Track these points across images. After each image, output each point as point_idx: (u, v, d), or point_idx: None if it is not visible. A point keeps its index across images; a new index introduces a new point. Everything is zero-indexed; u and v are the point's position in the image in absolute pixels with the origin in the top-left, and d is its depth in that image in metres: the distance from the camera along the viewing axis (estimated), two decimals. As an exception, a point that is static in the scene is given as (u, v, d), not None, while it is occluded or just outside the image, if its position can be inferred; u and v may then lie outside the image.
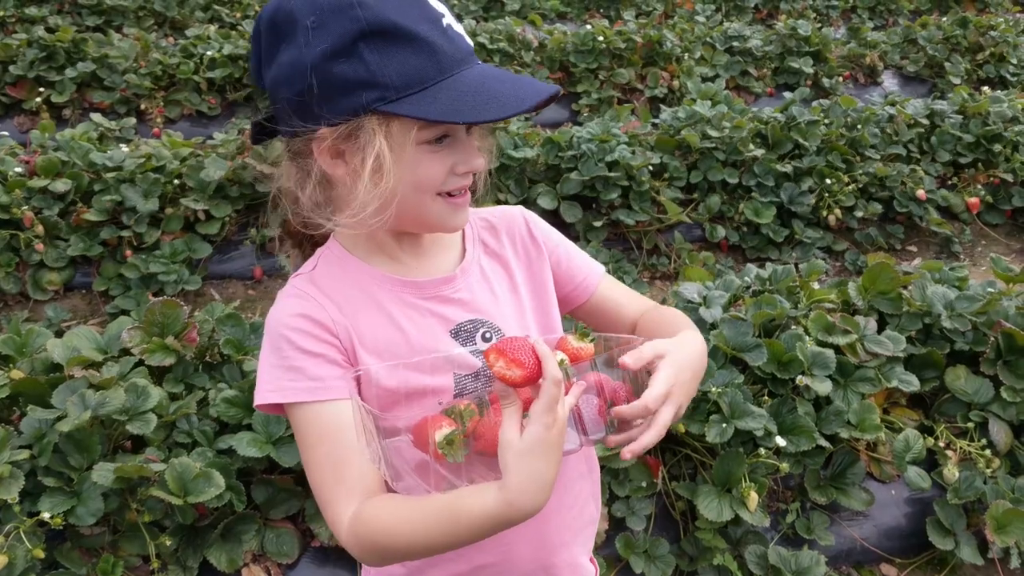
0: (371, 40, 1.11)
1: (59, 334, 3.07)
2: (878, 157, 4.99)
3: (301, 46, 1.13)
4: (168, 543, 2.28)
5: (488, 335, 1.30)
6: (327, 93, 1.13)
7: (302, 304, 1.23)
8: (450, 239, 1.38)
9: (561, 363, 1.05)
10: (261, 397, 1.21)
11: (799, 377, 2.62)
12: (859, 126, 5.05)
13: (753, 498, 2.44)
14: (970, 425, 2.73)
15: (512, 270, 1.40)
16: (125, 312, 3.79)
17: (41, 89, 5.58)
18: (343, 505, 1.15)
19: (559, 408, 1.00)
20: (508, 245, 1.42)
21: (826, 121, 5.06)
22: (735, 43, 6.83)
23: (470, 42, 1.21)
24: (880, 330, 2.85)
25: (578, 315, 1.50)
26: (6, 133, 4.95)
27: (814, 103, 5.39)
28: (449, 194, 1.22)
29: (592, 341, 1.17)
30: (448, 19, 1.18)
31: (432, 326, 1.27)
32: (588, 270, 1.47)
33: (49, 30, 6.24)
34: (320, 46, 1.12)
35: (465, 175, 1.21)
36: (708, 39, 6.84)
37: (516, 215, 1.45)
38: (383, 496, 1.16)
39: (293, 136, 1.20)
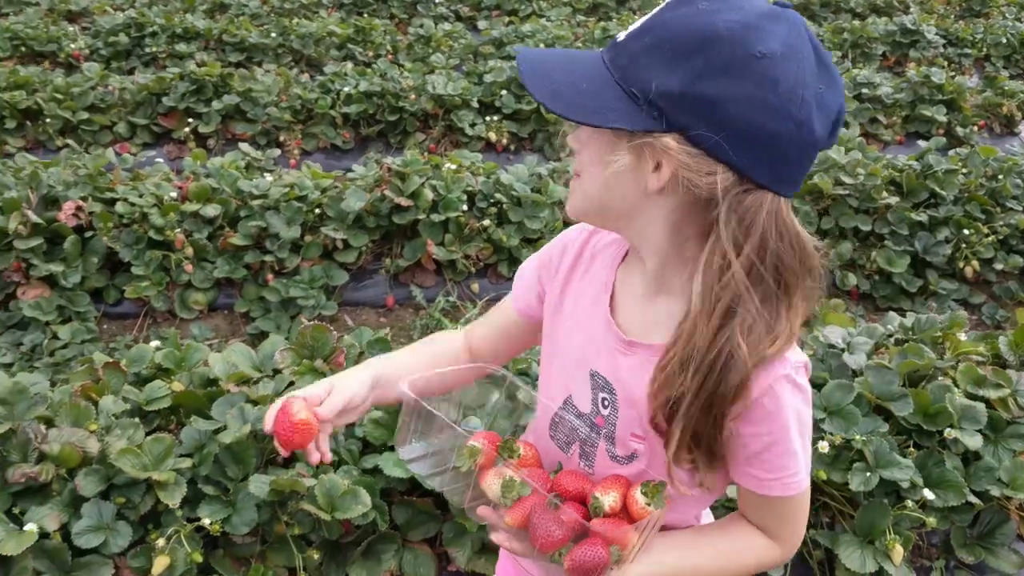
0: None
1: (207, 351, 3.23)
2: (1020, 208, 4.81)
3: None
4: (315, 557, 2.35)
5: (606, 401, 1.21)
6: None
7: (565, 235, 1.34)
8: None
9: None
10: None
11: (947, 430, 2.54)
12: (1000, 176, 4.89)
13: (898, 552, 2.37)
14: None
15: None
16: (264, 333, 3.95)
17: (190, 120, 5.90)
18: None
19: None
20: None
21: (964, 170, 4.92)
22: (864, 90, 6.70)
23: (620, 37, 1.05)
24: (1033, 386, 2.75)
25: None
26: (161, 159, 5.25)
27: (951, 152, 5.24)
28: None
29: (660, 508, 1.11)
30: None
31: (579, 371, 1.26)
32: None
33: (199, 65, 6.60)
34: None
35: None
36: (837, 85, 6.73)
37: None
38: None
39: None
